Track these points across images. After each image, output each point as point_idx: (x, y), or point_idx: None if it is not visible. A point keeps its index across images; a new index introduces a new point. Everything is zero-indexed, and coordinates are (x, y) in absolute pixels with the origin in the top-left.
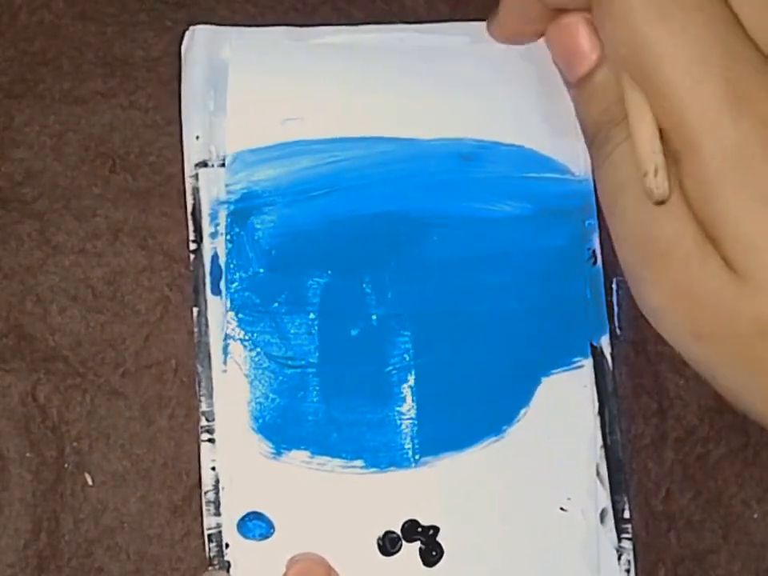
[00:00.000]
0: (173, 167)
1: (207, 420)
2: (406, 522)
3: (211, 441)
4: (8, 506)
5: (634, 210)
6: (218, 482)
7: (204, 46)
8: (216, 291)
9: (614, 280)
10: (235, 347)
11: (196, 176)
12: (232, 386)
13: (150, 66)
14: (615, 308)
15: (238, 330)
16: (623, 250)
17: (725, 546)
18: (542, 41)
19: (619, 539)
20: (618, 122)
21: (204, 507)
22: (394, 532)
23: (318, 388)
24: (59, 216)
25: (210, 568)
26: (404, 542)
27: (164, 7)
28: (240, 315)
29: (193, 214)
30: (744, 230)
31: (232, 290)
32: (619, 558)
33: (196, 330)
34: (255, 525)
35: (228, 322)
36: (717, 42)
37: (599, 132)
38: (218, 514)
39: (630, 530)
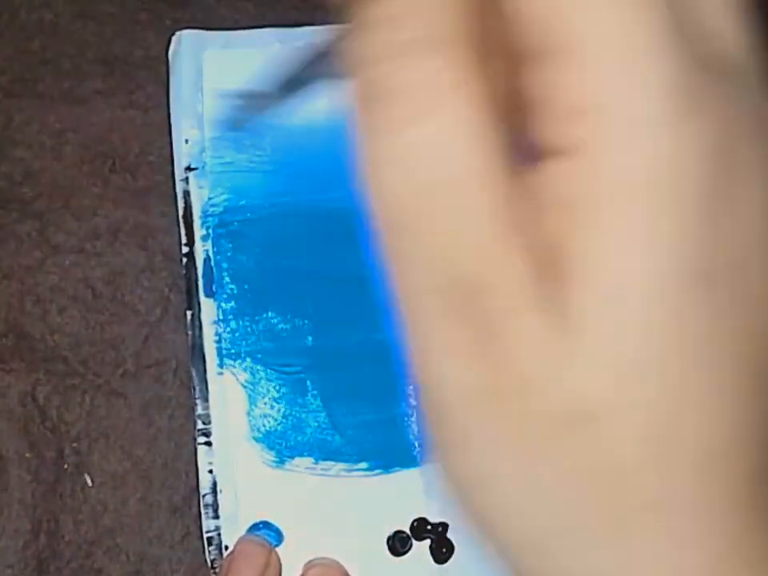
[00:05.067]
0: (173, 167)
1: (204, 423)
2: (414, 521)
3: (208, 444)
4: (7, 507)
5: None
6: (215, 484)
7: (191, 51)
8: (209, 293)
9: None
10: (230, 356)
11: (186, 179)
12: (229, 392)
13: (149, 66)
14: None
15: (231, 339)
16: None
17: None
18: None
19: None
20: None
21: (202, 510)
22: (403, 531)
23: (316, 393)
24: (59, 216)
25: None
26: (414, 541)
27: (164, 7)
28: (233, 325)
29: (184, 217)
30: (594, 255)
31: (224, 300)
32: None
33: (190, 332)
34: (264, 534)
35: (222, 332)
36: None
37: None
38: (216, 516)
39: None
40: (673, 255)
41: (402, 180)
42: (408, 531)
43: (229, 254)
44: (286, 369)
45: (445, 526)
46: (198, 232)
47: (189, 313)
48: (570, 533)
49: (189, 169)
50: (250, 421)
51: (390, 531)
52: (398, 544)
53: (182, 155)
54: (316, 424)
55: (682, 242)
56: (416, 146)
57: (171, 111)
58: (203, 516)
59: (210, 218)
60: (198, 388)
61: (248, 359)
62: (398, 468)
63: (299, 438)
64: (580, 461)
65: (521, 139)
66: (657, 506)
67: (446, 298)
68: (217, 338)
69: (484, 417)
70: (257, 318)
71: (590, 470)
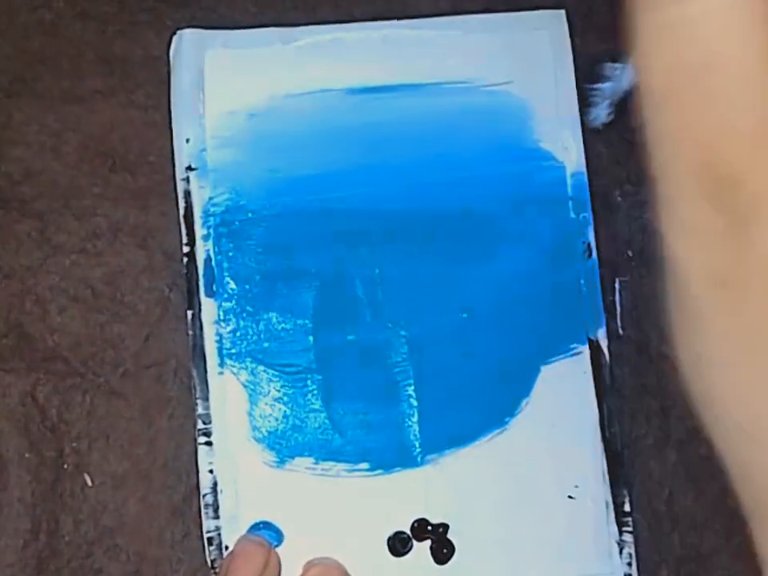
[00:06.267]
0: (172, 166)
1: (204, 423)
2: (415, 522)
3: (209, 444)
4: (7, 507)
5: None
6: (215, 484)
7: (192, 50)
8: (210, 293)
9: (617, 280)
10: (231, 356)
11: (187, 179)
12: (229, 392)
13: (149, 65)
14: (618, 308)
15: (232, 339)
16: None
17: (727, 547)
18: None
19: (620, 532)
20: None
21: (202, 510)
22: (403, 532)
23: (317, 393)
24: (59, 215)
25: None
26: (414, 542)
27: (164, 6)
28: (234, 325)
29: (185, 216)
30: None
31: (225, 300)
32: (621, 551)
33: (191, 332)
34: (265, 534)
35: (222, 332)
36: None
37: None
38: (216, 516)
39: (630, 524)
40: None
41: (672, 55)
42: (408, 532)
43: (230, 253)
44: (287, 369)
45: (445, 526)
46: (199, 231)
47: (189, 312)
48: None
49: (190, 168)
50: (250, 421)
51: (390, 532)
52: (398, 544)
53: (183, 155)
54: (316, 424)
55: None
56: (686, 22)
57: (172, 110)
58: (203, 516)
59: (211, 218)
60: (198, 388)
61: (248, 359)
62: (398, 468)
63: (300, 438)
64: None
65: None
66: None
67: (704, 183)
68: (217, 337)
69: (723, 299)
70: (257, 317)
71: None
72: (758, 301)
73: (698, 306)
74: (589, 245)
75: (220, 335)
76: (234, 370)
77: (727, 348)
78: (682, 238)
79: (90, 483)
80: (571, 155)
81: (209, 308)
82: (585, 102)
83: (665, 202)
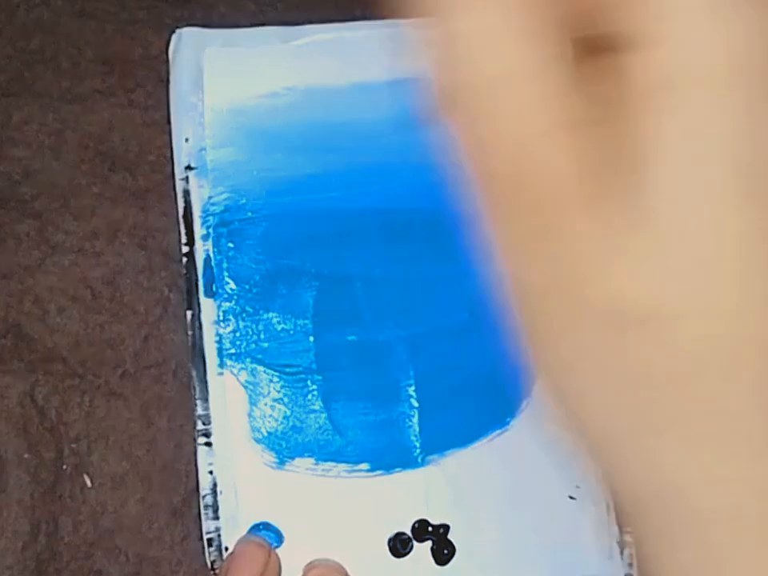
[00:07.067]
0: (172, 166)
1: (204, 423)
2: (415, 522)
3: (208, 444)
4: (6, 508)
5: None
6: (215, 485)
7: (191, 49)
8: (209, 294)
9: None
10: (231, 357)
11: (186, 179)
12: (229, 393)
13: (149, 64)
14: None
15: (232, 339)
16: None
17: None
18: None
19: (621, 533)
20: None
21: (202, 511)
22: (404, 533)
23: (317, 393)
24: (58, 215)
25: None
26: (415, 543)
27: (163, 5)
28: (233, 325)
29: (184, 216)
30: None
31: (224, 301)
32: (622, 552)
33: (190, 333)
34: (265, 535)
35: (222, 332)
36: None
37: None
38: (216, 518)
39: None
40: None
41: (461, 70)
42: (409, 533)
43: (229, 253)
44: (287, 369)
45: (446, 527)
46: (199, 231)
47: (189, 313)
48: (639, 433)
49: (189, 168)
50: (250, 421)
51: (391, 533)
52: (399, 545)
53: (182, 154)
54: (317, 425)
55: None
56: (470, 36)
57: (171, 110)
58: (203, 517)
59: (210, 218)
60: (198, 388)
61: (248, 359)
62: (399, 469)
63: (300, 439)
64: (640, 361)
65: (583, 35)
66: (724, 410)
67: (510, 192)
68: (217, 338)
69: (553, 308)
70: (257, 318)
71: (649, 372)
72: (574, 303)
73: (539, 313)
74: None
75: (220, 335)
76: (234, 370)
77: (572, 350)
78: (509, 250)
79: (89, 484)
80: None
81: (208, 308)
82: None
83: (492, 215)
